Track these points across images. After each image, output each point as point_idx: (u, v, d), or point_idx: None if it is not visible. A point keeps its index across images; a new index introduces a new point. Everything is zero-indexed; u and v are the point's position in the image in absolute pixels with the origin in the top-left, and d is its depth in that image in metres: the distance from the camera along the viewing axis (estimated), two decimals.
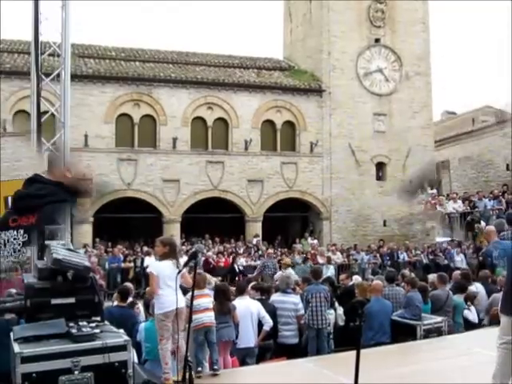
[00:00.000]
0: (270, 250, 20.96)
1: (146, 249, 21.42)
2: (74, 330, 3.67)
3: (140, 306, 8.89)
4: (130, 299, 9.31)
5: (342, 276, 12.03)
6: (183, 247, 21.46)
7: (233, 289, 8.96)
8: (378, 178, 28.03)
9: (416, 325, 8.85)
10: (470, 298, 9.70)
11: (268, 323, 8.48)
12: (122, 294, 8.43)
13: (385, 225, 27.86)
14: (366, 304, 4.64)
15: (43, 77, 6.12)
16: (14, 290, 7.19)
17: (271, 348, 8.93)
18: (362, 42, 27.85)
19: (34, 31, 5.38)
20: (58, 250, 4.31)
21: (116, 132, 24.46)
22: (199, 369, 6.90)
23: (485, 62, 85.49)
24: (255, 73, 28.18)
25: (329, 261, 18.95)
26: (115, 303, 8.37)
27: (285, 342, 9.06)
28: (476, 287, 11.06)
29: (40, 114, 5.81)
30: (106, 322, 4.06)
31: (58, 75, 6.69)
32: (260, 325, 8.46)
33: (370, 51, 28.04)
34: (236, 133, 25.94)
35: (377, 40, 28.22)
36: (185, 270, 6.36)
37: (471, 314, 9.53)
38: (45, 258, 5.23)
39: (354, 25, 27.69)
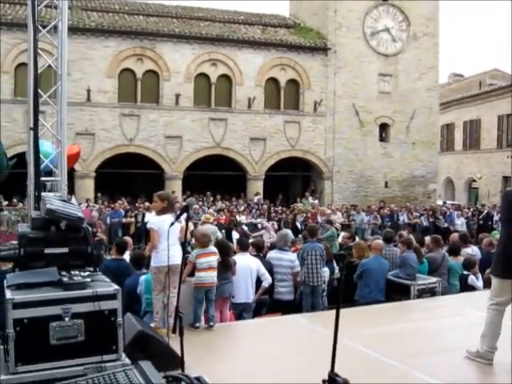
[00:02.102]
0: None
1: (147, 204, 21.50)
2: (65, 279, 3.73)
3: None
4: (128, 253, 9.41)
5: (345, 235, 12.06)
6: (184, 203, 21.54)
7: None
8: (381, 139, 27.98)
9: (410, 284, 8.93)
10: (471, 265, 9.66)
11: (267, 280, 8.58)
12: (118, 246, 8.52)
13: (386, 186, 27.93)
14: (347, 258, 4.72)
15: (40, 28, 6.06)
16: (15, 242, 7.26)
17: (267, 303, 9.06)
18: (369, 1, 27.37)
19: None
20: (53, 200, 4.35)
21: (119, 87, 24.35)
22: (197, 324, 7.04)
23: (494, 24, 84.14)
24: (260, 29, 27.84)
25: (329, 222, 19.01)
26: (112, 256, 8.47)
27: (280, 298, 9.16)
28: (472, 250, 11.13)
29: (37, 66, 5.77)
30: (99, 272, 4.13)
31: (52, 29, 6.61)
32: (258, 281, 8.56)
33: (378, 10, 27.60)
34: (239, 90, 25.77)
35: None
36: (183, 224, 6.41)
37: (477, 282, 9.53)
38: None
39: None
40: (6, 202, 19.44)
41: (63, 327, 3.53)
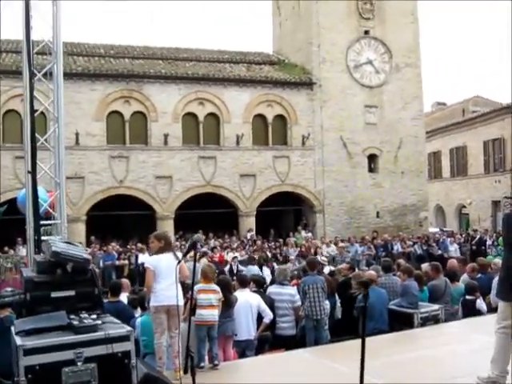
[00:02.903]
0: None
1: (139, 246, 21.34)
2: (75, 322, 3.65)
3: None
4: (126, 294, 9.28)
5: (344, 266, 11.95)
6: (177, 243, 21.39)
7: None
8: (370, 169, 28.10)
9: (413, 313, 8.87)
10: (473, 289, 9.59)
11: (268, 316, 8.49)
12: (113, 289, 8.43)
13: (378, 216, 27.94)
14: (370, 285, 4.71)
15: (35, 71, 6.07)
16: (9, 289, 7.17)
17: (269, 339, 8.94)
18: (351, 34, 27.83)
19: (25, 25, 5.32)
20: (57, 243, 4.29)
21: (107, 129, 24.38)
22: (201, 364, 6.90)
23: (475, 51, 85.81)
24: (245, 67, 28.15)
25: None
26: (106, 300, 8.36)
27: (282, 334, 9.06)
28: None
29: (33, 110, 5.76)
30: (107, 314, 4.04)
31: (49, 73, 6.64)
32: (260, 317, 8.46)
33: (360, 43, 28.03)
34: (227, 128, 25.89)
35: (366, 32, 28.21)
36: (182, 262, 6.33)
37: (484, 306, 9.46)
38: (41, 253, 5.20)
39: (343, 17, 27.66)
40: None
41: (76, 372, 3.44)
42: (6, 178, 21.68)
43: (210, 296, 7.14)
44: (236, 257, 19.25)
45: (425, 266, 12.31)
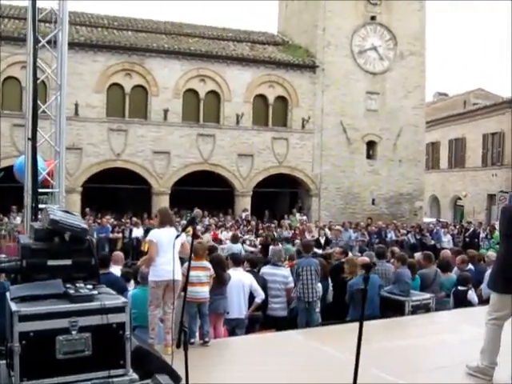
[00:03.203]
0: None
1: (134, 220, 21.36)
2: (71, 291, 3.64)
3: None
4: (119, 267, 9.28)
5: (338, 251, 11.95)
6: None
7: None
8: (369, 156, 28.09)
9: (404, 301, 8.91)
10: (466, 280, 9.64)
11: (260, 296, 8.52)
12: (101, 261, 8.40)
13: (373, 203, 28.00)
14: (373, 267, 4.71)
15: (40, 38, 6.00)
16: (3, 256, 7.17)
17: (260, 319, 8.98)
18: (357, 19, 27.62)
19: None
20: (55, 211, 4.26)
21: (107, 102, 24.25)
22: (192, 340, 6.92)
23: (479, 44, 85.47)
24: (249, 46, 27.96)
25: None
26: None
27: (273, 315, 9.10)
28: None
29: (36, 77, 5.70)
30: (103, 285, 4.04)
31: (52, 41, 6.56)
32: (251, 297, 8.48)
33: (366, 29, 27.84)
34: (228, 106, 25.79)
35: (372, 17, 27.99)
36: (185, 238, 6.32)
37: (475, 298, 9.50)
38: (38, 221, 5.18)
39: (350, 1, 27.41)
40: None
41: (70, 341, 3.44)
42: (3, 145, 21.54)
43: (199, 273, 7.09)
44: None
45: (417, 254, 12.37)
